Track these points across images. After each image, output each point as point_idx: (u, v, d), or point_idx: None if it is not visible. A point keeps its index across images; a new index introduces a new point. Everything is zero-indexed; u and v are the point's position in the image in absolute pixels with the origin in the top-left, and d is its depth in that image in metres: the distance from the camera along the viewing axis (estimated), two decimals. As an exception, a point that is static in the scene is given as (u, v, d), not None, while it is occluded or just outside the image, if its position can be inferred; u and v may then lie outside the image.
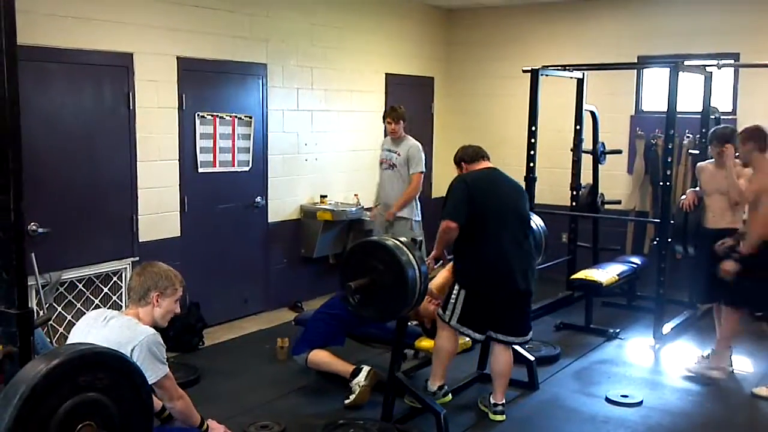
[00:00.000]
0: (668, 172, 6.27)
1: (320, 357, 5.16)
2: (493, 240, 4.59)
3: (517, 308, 4.77)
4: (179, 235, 6.35)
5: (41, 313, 5.19)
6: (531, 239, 4.83)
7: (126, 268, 5.85)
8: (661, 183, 6.44)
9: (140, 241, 6.02)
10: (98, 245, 5.74)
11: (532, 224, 5.75)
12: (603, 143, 7.50)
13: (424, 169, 6.70)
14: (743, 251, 5.18)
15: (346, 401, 4.92)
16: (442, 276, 5.06)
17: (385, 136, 7.04)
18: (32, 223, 5.23)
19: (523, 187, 6.71)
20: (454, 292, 4.68)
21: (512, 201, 4.75)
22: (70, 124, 5.53)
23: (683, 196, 6.22)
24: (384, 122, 6.83)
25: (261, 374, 5.62)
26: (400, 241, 4.39)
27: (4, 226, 2.73)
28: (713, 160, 5.78)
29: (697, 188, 6.07)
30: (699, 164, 6.03)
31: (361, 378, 4.94)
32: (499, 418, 4.82)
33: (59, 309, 5.52)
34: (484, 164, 4.89)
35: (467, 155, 4.92)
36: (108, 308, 5.27)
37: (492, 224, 4.61)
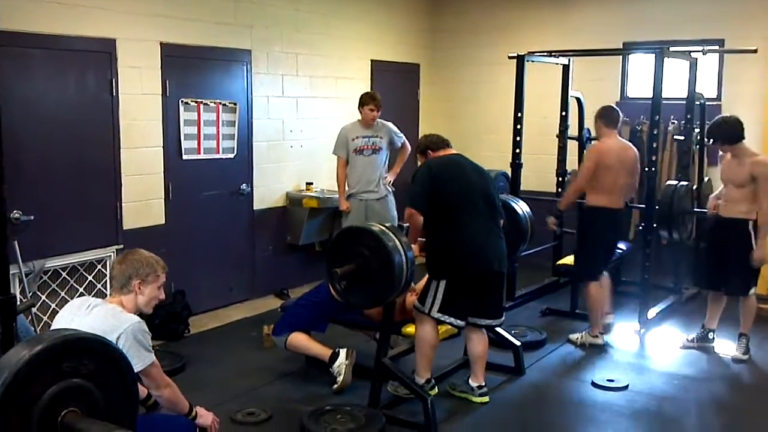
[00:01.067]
0: (653, 158, 6.28)
1: (299, 340, 5.15)
2: (464, 225, 4.58)
3: (494, 290, 4.77)
4: (164, 222, 6.31)
5: (24, 301, 5.15)
6: (500, 221, 4.82)
7: (110, 256, 5.80)
8: (646, 169, 6.45)
9: (124, 228, 5.98)
10: (82, 233, 5.69)
11: (517, 209, 5.80)
12: (588, 129, 7.48)
13: None
14: (561, 207, 6.18)
15: (335, 386, 4.93)
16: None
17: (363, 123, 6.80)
18: (15, 211, 5.17)
19: (510, 172, 6.82)
20: (432, 283, 4.66)
21: (479, 184, 4.73)
22: (53, 110, 5.47)
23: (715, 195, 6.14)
24: (364, 109, 6.70)
25: (247, 361, 5.61)
26: (386, 227, 4.38)
27: (-15, 212, 2.71)
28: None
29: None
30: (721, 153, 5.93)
31: (342, 359, 4.95)
32: (484, 399, 4.84)
33: (43, 297, 5.48)
34: (448, 151, 4.90)
35: (432, 143, 4.92)
36: (92, 296, 5.23)
37: (461, 209, 4.59)
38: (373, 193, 6.77)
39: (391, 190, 6.91)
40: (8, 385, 2.16)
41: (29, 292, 5.29)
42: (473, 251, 4.60)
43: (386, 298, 4.45)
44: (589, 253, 6.02)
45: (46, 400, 2.26)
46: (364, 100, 6.73)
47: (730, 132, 5.56)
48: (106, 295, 5.51)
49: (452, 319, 4.65)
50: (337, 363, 4.97)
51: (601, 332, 6.00)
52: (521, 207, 5.87)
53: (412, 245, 4.49)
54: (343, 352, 4.99)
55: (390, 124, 6.91)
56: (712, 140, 5.76)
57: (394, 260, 4.20)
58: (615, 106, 6.10)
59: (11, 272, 4.66)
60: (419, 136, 8.81)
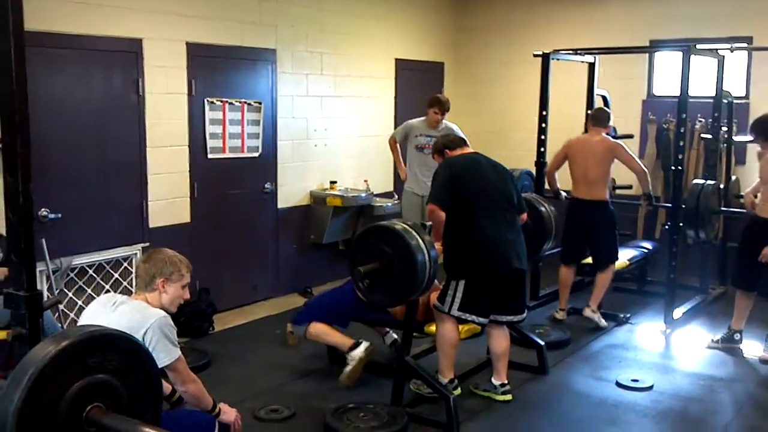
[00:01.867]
0: (680, 157, 6.23)
1: (320, 329, 5.15)
2: (481, 223, 4.57)
3: (516, 287, 4.77)
4: (189, 221, 6.36)
5: (51, 298, 5.21)
6: (519, 218, 4.82)
7: (136, 253, 5.86)
8: (672, 168, 6.40)
9: (150, 226, 6.03)
10: (108, 231, 5.76)
11: (541, 209, 5.77)
12: (614, 128, 7.42)
13: None
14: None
15: (342, 376, 4.94)
16: None
17: (418, 122, 7.01)
18: (43, 209, 5.25)
19: (532, 171, 6.81)
20: (452, 283, 4.65)
21: (497, 182, 4.73)
22: (80, 110, 5.54)
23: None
24: (429, 111, 6.83)
25: (271, 359, 5.64)
26: (410, 225, 4.38)
27: (13, 209, 2.73)
28: None
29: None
30: (760, 150, 5.80)
31: (360, 350, 4.96)
32: (507, 398, 4.83)
33: (70, 294, 5.55)
34: (465, 150, 4.91)
35: (450, 142, 4.97)
36: (118, 293, 5.28)
37: (479, 207, 4.59)
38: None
39: None
40: (35, 380, 2.18)
41: (56, 289, 5.36)
42: (491, 249, 4.59)
43: (409, 297, 4.45)
44: (562, 237, 6.39)
45: (72, 396, 2.28)
46: (431, 103, 6.87)
47: None
48: (131, 293, 5.57)
49: (474, 317, 4.65)
50: (354, 352, 4.97)
51: (563, 309, 6.52)
52: (546, 206, 5.85)
53: (436, 244, 4.49)
54: (364, 344, 5.00)
55: (454, 127, 6.96)
56: (754, 137, 5.68)
57: (417, 259, 4.20)
58: (606, 108, 6.64)
59: (39, 269, 4.74)
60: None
